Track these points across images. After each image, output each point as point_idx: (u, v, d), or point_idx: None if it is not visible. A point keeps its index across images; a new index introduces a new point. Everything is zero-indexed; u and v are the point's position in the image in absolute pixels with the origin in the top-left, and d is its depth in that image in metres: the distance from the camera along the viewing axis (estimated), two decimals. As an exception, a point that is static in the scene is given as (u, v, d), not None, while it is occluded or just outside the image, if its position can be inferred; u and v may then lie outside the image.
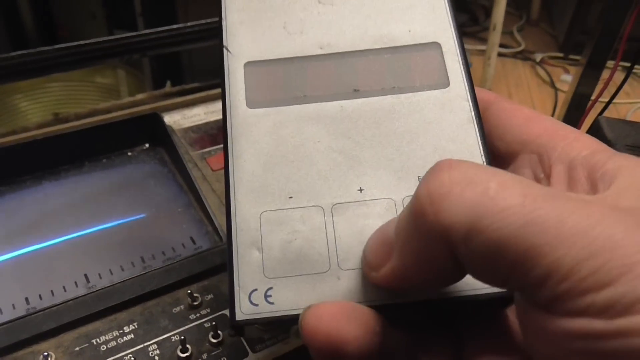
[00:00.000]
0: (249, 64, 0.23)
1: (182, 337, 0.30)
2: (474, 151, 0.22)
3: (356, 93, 0.23)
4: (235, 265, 0.20)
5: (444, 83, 0.23)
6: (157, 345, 0.31)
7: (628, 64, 1.58)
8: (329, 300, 0.19)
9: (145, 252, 0.35)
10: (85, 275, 0.34)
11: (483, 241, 0.15)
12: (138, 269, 0.34)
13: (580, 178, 0.19)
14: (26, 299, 0.32)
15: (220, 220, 0.37)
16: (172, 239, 0.36)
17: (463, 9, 1.88)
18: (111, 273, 0.34)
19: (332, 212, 0.21)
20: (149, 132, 0.42)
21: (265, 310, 0.20)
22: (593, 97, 1.06)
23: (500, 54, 1.65)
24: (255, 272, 0.20)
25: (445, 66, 0.23)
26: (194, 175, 0.39)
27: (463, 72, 0.23)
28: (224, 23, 0.24)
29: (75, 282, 0.33)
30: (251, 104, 0.23)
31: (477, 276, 0.16)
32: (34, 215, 0.36)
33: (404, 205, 0.20)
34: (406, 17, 0.24)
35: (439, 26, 0.24)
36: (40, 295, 0.32)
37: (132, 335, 0.31)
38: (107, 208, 0.37)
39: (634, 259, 0.13)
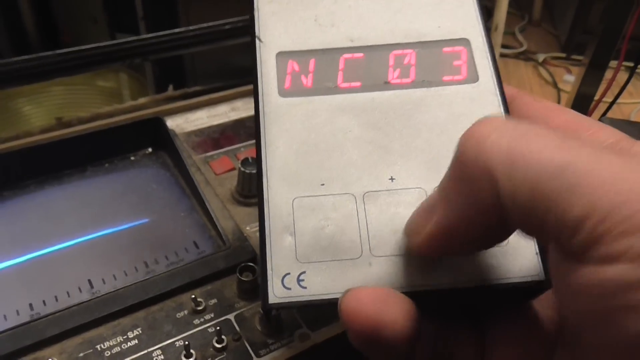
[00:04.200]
0: (280, 54, 0.24)
1: (186, 342, 0.30)
2: None
3: (386, 85, 0.24)
4: (269, 250, 0.21)
5: (474, 78, 0.24)
6: (161, 350, 0.31)
7: (631, 64, 1.58)
8: (361, 285, 0.20)
9: (148, 257, 0.35)
10: (89, 281, 0.33)
11: (524, 177, 0.15)
12: (141, 274, 0.34)
13: None
14: (30, 304, 0.32)
15: (223, 224, 0.37)
16: (175, 244, 0.36)
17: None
18: (115, 278, 0.34)
19: (363, 199, 0.22)
20: (152, 136, 0.42)
21: (298, 294, 0.20)
22: (596, 98, 1.05)
23: (502, 55, 1.65)
24: (288, 257, 0.21)
25: (474, 62, 0.24)
26: (197, 179, 0.39)
27: (492, 68, 0.24)
28: (256, 14, 0.25)
29: (79, 288, 0.33)
30: (283, 93, 0.23)
31: (516, 219, 0.16)
32: (37, 221, 0.36)
33: None
34: (436, 13, 0.25)
35: (468, 23, 0.24)
36: (44, 301, 0.32)
37: (136, 341, 0.31)
38: (110, 213, 0.37)
39: None
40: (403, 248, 0.20)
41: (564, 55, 1.71)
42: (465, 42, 0.24)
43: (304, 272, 0.20)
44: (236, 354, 0.31)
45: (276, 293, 0.20)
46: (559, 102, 1.50)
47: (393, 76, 0.24)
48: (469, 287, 0.20)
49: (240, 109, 0.47)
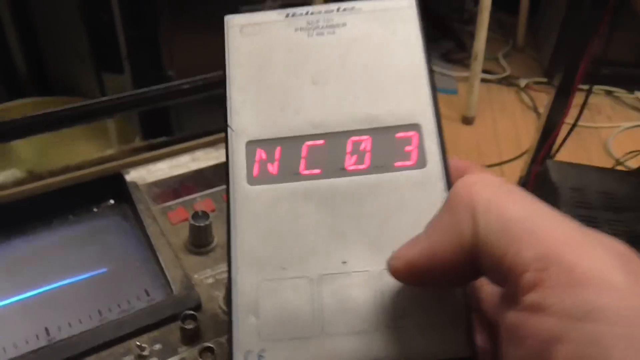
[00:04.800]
0: (250, 143, 0.26)
1: (130, 386, 0.33)
2: None
3: (343, 172, 0.25)
4: (235, 328, 0.23)
5: (422, 163, 0.25)
6: (108, 393, 0.34)
7: (609, 88, 1.59)
8: None
9: (103, 306, 0.39)
10: (46, 329, 0.37)
11: (496, 218, 0.18)
12: (95, 322, 0.38)
13: None
14: (-8, 351, 0.36)
15: (172, 273, 0.40)
16: (128, 292, 0.39)
17: (450, 36, 1.93)
18: (70, 326, 0.37)
19: (319, 282, 0.23)
20: (114, 189, 0.46)
21: None
22: (562, 121, 1.08)
23: (485, 80, 1.69)
24: (251, 335, 0.23)
25: (424, 147, 0.25)
26: (151, 230, 0.42)
27: (440, 153, 0.25)
28: (228, 102, 0.26)
29: (37, 335, 0.37)
30: (251, 181, 0.25)
31: (484, 253, 0.19)
32: (1, 272, 0.40)
33: (381, 277, 0.23)
34: (391, 98, 0.26)
35: (420, 108, 0.26)
36: (4, 349, 0.36)
37: (86, 385, 0.34)
38: (71, 263, 0.41)
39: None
40: (351, 327, 0.23)
41: (545, 80, 1.75)
42: (417, 127, 0.26)
43: (264, 350, 0.22)
44: (176, 397, 0.34)
45: None
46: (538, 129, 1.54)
47: (350, 162, 0.25)
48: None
49: (201, 159, 0.51)
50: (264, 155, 0.25)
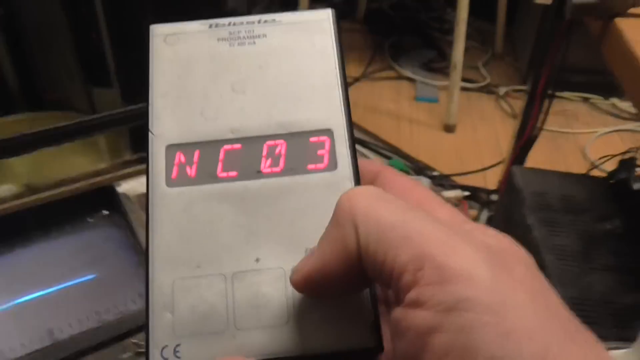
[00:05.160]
0: (170, 146, 0.26)
1: (128, 381, 0.37)
2: None
3: (259, 174, 0.26)
4: (151, 325, 0.23)
5: (333, 166, 0.27)
6: (108, 387, 0.37)
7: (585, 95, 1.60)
8: (227, 355, 0.23)
9: (100, 307, 0.42)
10: (50, 329, 0.40)
11: (374, 228, 0.20)
12: (94, 322, 0.41)
13: None
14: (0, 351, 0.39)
15: (165, 277, 0.43)
16: (124, 296, 0.43)
17: (431, 45, 1.97)
18: (71, 326, 0.40)
19: (232, 279, 0.24)
20: (107, 200, 0.49)
21: None
22: (531, 127, 1.12)
23: (465, 89, 1.73)
24: (167, 332, 0.23)
25: (335, 150, 0.27)
26: (142, 239, 0.46)
27: (350, 156, 0.27)
28: (150, 108, 0.27)
29: (42, 336, 0.40)
30: (170, 183, 0.26)
31: (367, 263, 0.20)
32: (7, 278, 0.43)
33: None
34: (306, 106, 0.28)
35: (333, 114, 0.28)
36: (11, 348, 0.39)
37: (87, 380, 0.37)
38: (70, 269, 0.44)
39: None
40: (261, 321, 0.24)
41: (524, 87, 1.80)
42: (329, 132, 0.27)
43: (179, 345, 0.23)
44: (169, 388, 0.37)
45: None
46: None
47: (265, 165, 0.26)
48: (313, 354, 0.23)
49: (189, 170, 0.54)
50: (182, 159, 0.26)
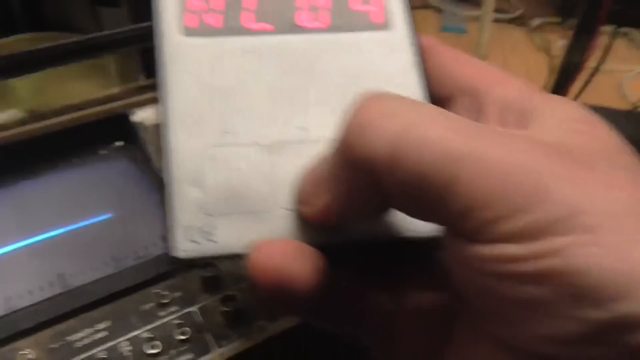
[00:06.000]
0: None
1: (152, 335, 0.32)
2: (416, 96, 0.22)
3: (295, 28, 0.22)
4: (175, 202, 0.20)
5: (387, 25, 0.23)
6: (129, 341, 0.33)
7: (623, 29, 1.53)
8: (269, 238, 0.19)
9: (117, 252, 0.37)
10: (61, 275, 0.35)
11: (405, 173, 0.15)
12: (110, 268, 0.36)
13: (511, 118, 0.19)
14: (5, 298, 0.34)
15: (189, 219, 0.38)
16: (143, 239, 0.38)
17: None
18: (84, 273, 0.36)
19: (271, 149, 0.21)
20: (120, 131, 0.43)
21: (206, 248, 0.19)
22: (585, 64, 1.04)
23: (496, 20, 1.63)
24: (195, 210, 0.20)
25: (387, 7, 0.23)
26: (160, 167, 0.40)
27: (405, 15, 0.23)
28: None
29: (51, 282, 0.35)
30: (186, 31, 0.22)
31: (400, 209, 0.17)
32: (12, 215, 0.38)
33: None
34: None
35: None
36: (19, 295, 0.34)
37: (105, 333, 0.33)
38: (81, 207, 0.39)
39: (547, 185, 0.14)
40: None
41: (559, 20, 1.68)
42: None
43: (211, 225, 0.20)
44: (198, 345, 0.33)
45: (183, 247, 0.19)
46: (551, 71, 1.50)
47: (303, 19, 0.23)
48: (378, 239, 0.20)
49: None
50: (200, 4, 0.22)
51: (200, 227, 0.19)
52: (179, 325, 0.33)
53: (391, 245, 0.20)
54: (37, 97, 0.91)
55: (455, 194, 0.15)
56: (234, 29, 0.22)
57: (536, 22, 1.68)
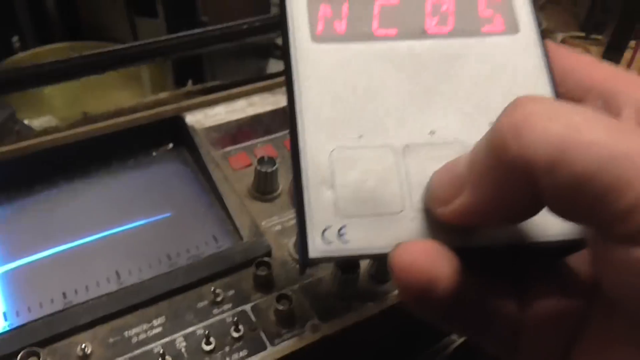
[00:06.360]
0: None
1: (207, 332, 0.33)
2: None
3: (424, 34, 0.23)
4: (307, 204, 0.20)
5: (514, 29, 0.23)
6: (184, 338, 0.33)
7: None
8: (404, 240, 0.19)
9: (171, 250, 0.38)
10: (117, 272, 0.36)
11: (568, 174, 0.15)
12: (164, 267, 0.37)
13: None
14: (63, 293, 0.35)
15: (240, 220, 0.39)
16: (196, 238, 0.38)
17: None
18: (140, 270, 0.36)
19: (403, 152, 0.21)
20: (173, 133, 0.44)
21: (339, 248, 0.20)
22: None
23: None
24: (328, 211, 0.20)
25: (514, 11, 0.23)
26: (216, 175, 0.41)
27: (533, 18, 0.23)
28: None
29: (108, 279, 0.36)
30: (315, 38, 0.23)
31: (556, 211, 0.16)
32: (68, 214, 0.39)
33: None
34: None
35: None
36: (75, 291, 0.35)
37: (161, 329, 0.34)
38: (135, 207, 0.40)
39: None
40: None
41: (582, 34, 1.68)
42: None
43: (344, 226, 0.20)
44: (252, 343, 0.33)
45: (316, 247, 0.20)
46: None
47: (430, 24, 0.23)
48: (512, 244, 0.20)
49: (257, 104, 0.49)
50: (329, 12, 0.23)
51: (333, 227, 0.20)
52: (233, 323, 0.33)
53: (526, 249, 0.20)
54: (72, 106, 0.93)
55: (620, 195, 0.15)
56: (363, 35, 0.23)
57: (560, 36, 1.67)
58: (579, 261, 0.21)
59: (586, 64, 0.22)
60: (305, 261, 0.20)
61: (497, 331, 0.21)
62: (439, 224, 0.20)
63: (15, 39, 0.95)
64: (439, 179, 0.20)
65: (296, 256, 0.38)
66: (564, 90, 0.22)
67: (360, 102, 0.22)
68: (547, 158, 0.15)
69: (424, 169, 0.21)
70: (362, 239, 0.20)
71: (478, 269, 0.21)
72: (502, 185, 0.17)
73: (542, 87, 0.22)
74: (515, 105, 0.17)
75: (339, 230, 0.20)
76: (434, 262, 0.18)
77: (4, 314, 0.34)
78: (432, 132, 0.22)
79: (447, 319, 0.21)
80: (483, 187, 0.18)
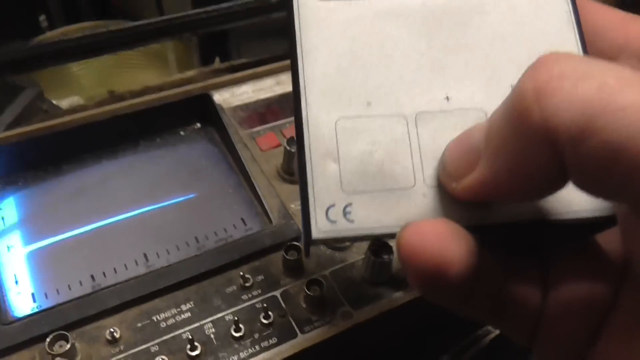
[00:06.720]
0: None
1: (236, 318, 0.32)
2: None
3: None
4: (310, 178, 0.19)
5: None
6: (212, 323, 0.32)
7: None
8: (414, 218, 0.18)
9: (199, 233, 0.37)
10: (145, 255, 0.35)
11: (598, 144, 0.13)
12: (192, 249, 0.36)
13: None
14: (92, 276, 0.35)
15: (269, 202, 0.38)
16: (224, 220, 0.37)
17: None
18: (168, 253, 0.36)
19: (415, 121, 0.19)
20: (200, 111, 0.43)
21: (344, 228, 0.18)
22: None
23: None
24: (332, 186, 0.18)
25: None
26: (244, 155, 0.40)
27: None
28: None
29: (136, 261, 0.35)
30: None
31: (584, 185, 0.15)
32: (96, 194, 0.38)
33: None
34: None
35: None
36: (104, 273, 0.35)
37: (189, 314, 0.33)
38: (162, 187, 0.39)
39: None
40: None
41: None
42: None
43: (350, 204, 0.18)
44: (282, 330, 0.32)
45: (320, 227, 0.18)
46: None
47: None
48: (534, 220, 0.18)
49: (285, 82, 0.47)
50: None
51: (338, 205, 0.18)
52: (263, 309, 0.33)
53: (548, 227, 0.18)
54: (99, 86, 0.93)
55: None
56: None
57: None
58: (608, 240, 0.19)
59: (620, 20, 0.19)
60: (308, 241, 0.18)
61: (517, 318, 0.19)
62: (453, 200, 0.18)
63: (42, 18, 0.95)
64: (452, 151, 0.18)
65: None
66: (595, 50, 0.20)
67: (369, 65, 0.20)
68: (575, 126, 0.13)
69: (438, 139, 0.19)
70: (369, 218, 0.18)
71: (497, 250, 0.19)
72: (523, 157, 0.15)
73: (570, 45, 0.20)
74: (538, 65, 0.15)
75: (344, 208, 0.18)
76: (445, 245, 0.16)
77: (32, 295, 0.34)
78: (447, 98, 0.20)
79: (463, 305, 0.19)
80: (501, 159, 0.16)
